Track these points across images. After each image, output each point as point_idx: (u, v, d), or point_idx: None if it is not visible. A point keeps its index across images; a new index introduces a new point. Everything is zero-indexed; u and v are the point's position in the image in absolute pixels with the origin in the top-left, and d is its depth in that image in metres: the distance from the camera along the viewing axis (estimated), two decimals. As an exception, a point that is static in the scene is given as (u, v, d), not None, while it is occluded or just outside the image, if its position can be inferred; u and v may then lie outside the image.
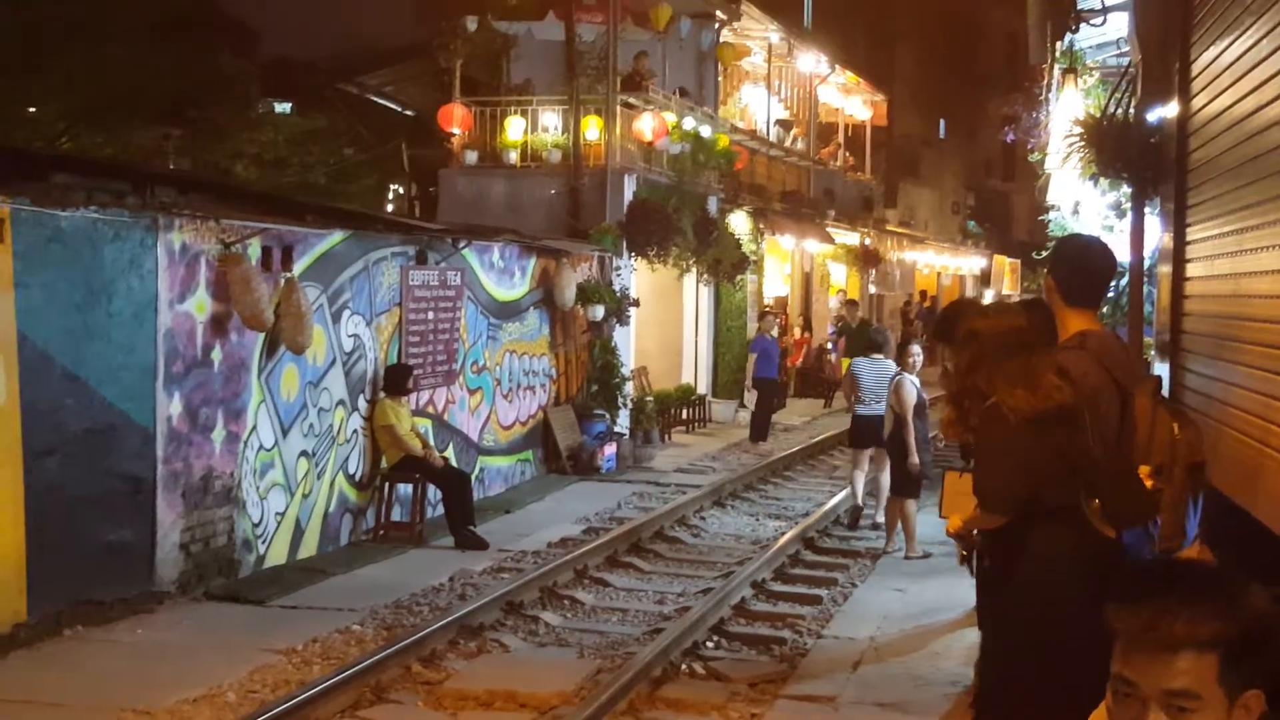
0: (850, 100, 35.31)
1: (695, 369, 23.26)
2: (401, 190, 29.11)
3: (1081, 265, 4.99)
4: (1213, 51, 6.21)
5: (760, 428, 20.41)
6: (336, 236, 12.15)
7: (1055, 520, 4.59)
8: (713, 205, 22.49)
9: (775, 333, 22.95)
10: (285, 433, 11.47)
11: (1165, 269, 7.37)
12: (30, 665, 8.34)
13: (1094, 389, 4.61)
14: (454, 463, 13.87)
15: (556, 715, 7.66)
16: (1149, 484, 4.83)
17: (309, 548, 11.84)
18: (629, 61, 21.09)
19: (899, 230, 38.33)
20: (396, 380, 12.79)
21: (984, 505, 4.75)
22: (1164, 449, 4.77)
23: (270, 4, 27.56)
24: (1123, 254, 8.72)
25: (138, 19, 23.31)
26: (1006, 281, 48.14)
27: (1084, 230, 11.32)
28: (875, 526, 13.52)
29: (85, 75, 22.83)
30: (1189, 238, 6.83)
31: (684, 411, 21.88)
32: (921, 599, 10.59)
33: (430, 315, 13.93)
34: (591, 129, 19.82)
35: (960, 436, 4.88)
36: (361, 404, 12.68)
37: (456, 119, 20.10)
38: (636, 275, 19.96)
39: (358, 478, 12.65)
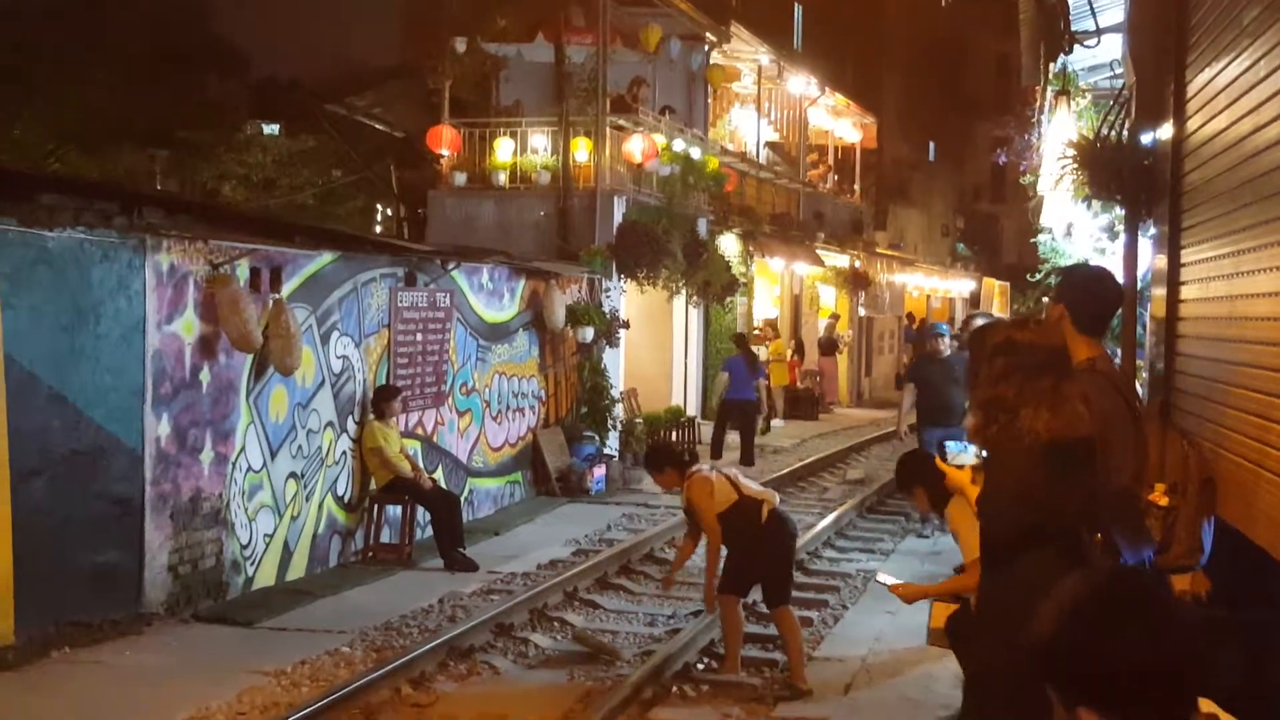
0: (840, 122, 35.41)
1: (685, 391, 23.23)
2: (390, 212, 29.11)
3: (1095, 293, 4.99)
4: (1208, 73, 6.20)
5: (746, 452, 20.45)
6: (325, 258, 12.11)
7: (1050, 548, 4.52)
8: (702, 227, 22.48)
9: (764, 354, 22.94)
10: (274, 454, 11.41)
11: (1159, 292, 7.36)
12: (18, 688, 8.26)
13: (1106, 414, 4.57)
14: (443, 484, 13.81)
15: (547, 739, 7.61)
16: (1164, 501, 4.79)
17: (297, 569, 11.77)
18: (619, 83, 21.11)
19: (888, 253, 38.39)
20: (380, 402, 12.72)
21: (984, 521, 4.68)
22: (1177, 467, 4.74)
23: (259, 26, 27.63)
24: (1116, 276, 8.72)
25: (129, 45, 23.34)
26: (996, 304, 48.22)
27: (1076, 252, 11.36)
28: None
29: (74, 98, 22.84)
30: (1183, 260, 6.82)
31: (674, 434, 21.82)
32: (913, 621, 10.49)
33: (419, 337, 13.89)
34: (581, 150, 19.81)
35: (980, 443, 4.81)
36: (350, 425, 12.62)
37: (445, 140, 20.09)
38: (626, 297, 19.95)
39: (346, 499, 12.58)
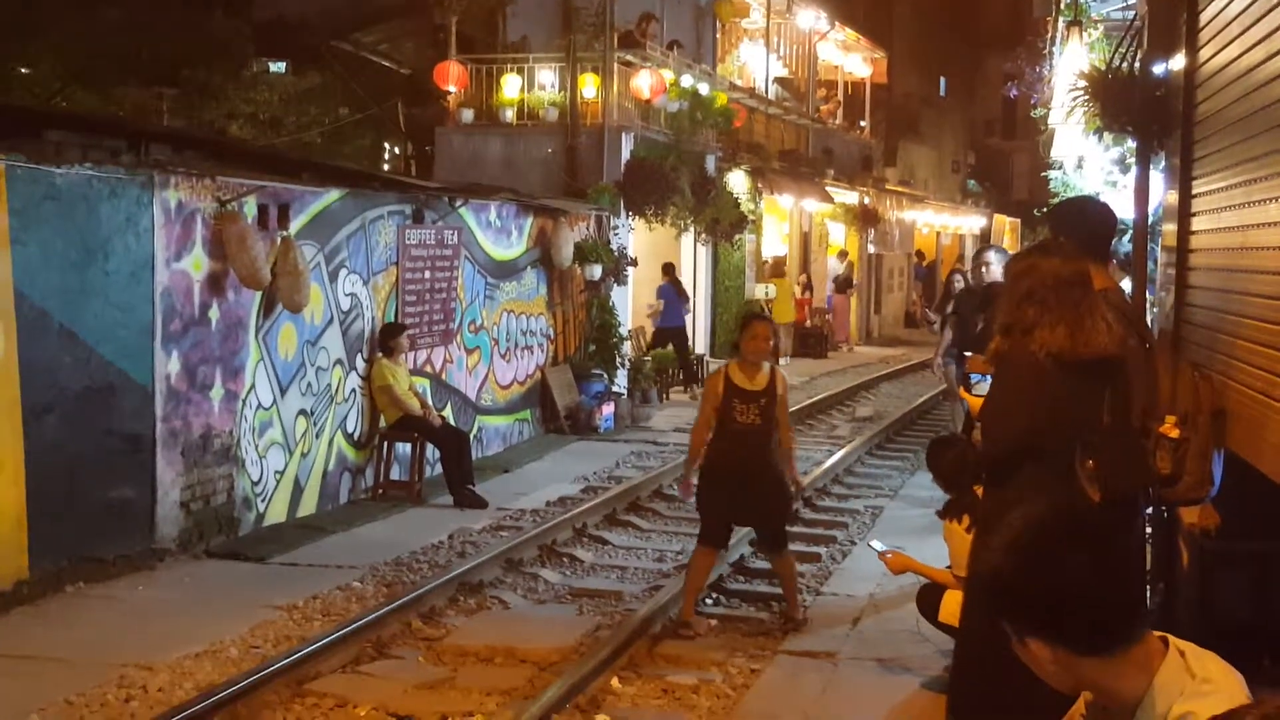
0: (850, 58, 35.13)
1: (693, 328, 23.21)
2: (397, 150, 28.96)
3: (1095, 221, 5.00)
4: (1220, 2, 6.14)
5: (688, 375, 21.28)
6: (333, 195, 12.08)
7: (1041, 470, 4.53)
8: (711, 164, 22.38)
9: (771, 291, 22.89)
10: (283, 391, 11.44)
11: (1170, 225, 7.33)
12: (32, 621, 8.35)
13: (1125, 345, 4.58)
14: (452, 422, 13.86)
15: (556, 670, 7.66)
16: (1174, 433, 4.79)
17: (308, 506, 11.84)
18: (626, 18, 20.95)
19: (898, 189, 38.20)
20: (385, 340, 12.70)
21: (986, 438, 4.69)
22: (1188, 398, 4.74)
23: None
24: (1126, 210, 8.67)
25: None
26: (1006, 240, 48.00)
27: (1088, 186, 11.30)
28: None
29: (80, 37, 22.70)
30: (1194, 191, 6.78)
31: (681, 371, 21.86)
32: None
33: (427, 274, 13.88)
34: (589, 87, 19.71)
35: (995, 364, 4.81)
36: (359, 363, 12.64)
37: (452, 77, 19.97)
38: (634, 234, 19.90)
39: (356, 437, 12.63)
